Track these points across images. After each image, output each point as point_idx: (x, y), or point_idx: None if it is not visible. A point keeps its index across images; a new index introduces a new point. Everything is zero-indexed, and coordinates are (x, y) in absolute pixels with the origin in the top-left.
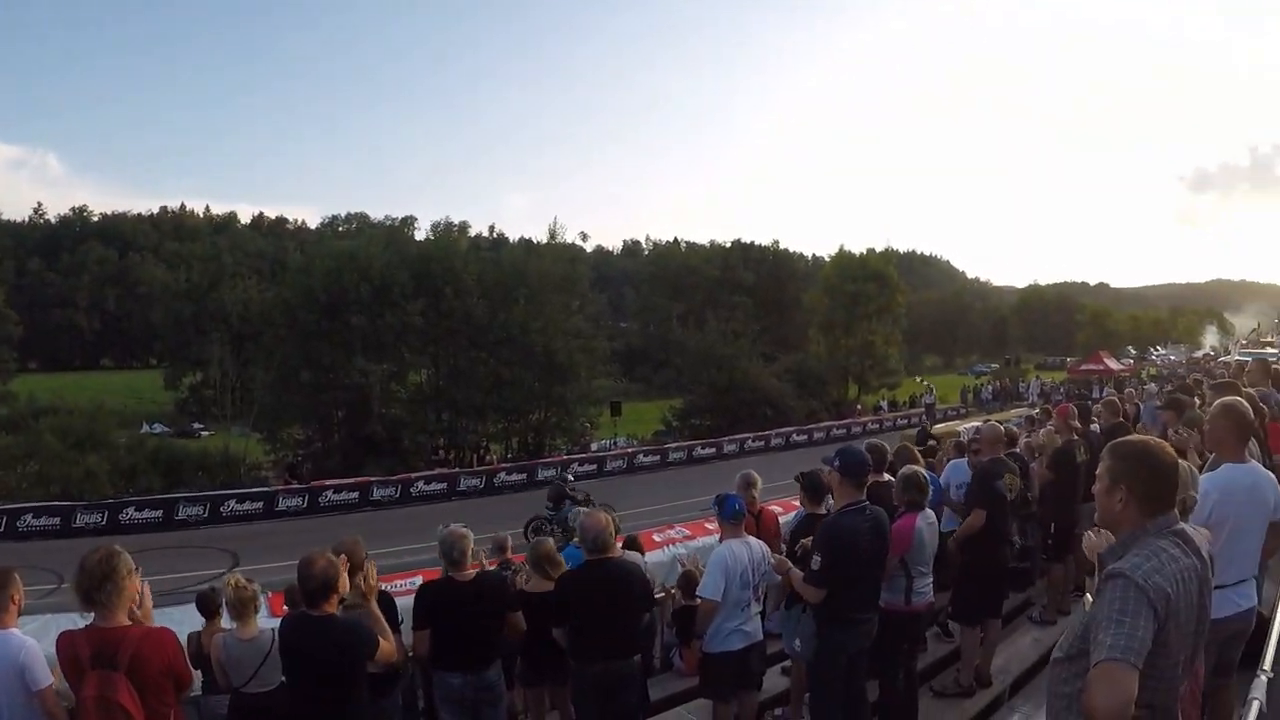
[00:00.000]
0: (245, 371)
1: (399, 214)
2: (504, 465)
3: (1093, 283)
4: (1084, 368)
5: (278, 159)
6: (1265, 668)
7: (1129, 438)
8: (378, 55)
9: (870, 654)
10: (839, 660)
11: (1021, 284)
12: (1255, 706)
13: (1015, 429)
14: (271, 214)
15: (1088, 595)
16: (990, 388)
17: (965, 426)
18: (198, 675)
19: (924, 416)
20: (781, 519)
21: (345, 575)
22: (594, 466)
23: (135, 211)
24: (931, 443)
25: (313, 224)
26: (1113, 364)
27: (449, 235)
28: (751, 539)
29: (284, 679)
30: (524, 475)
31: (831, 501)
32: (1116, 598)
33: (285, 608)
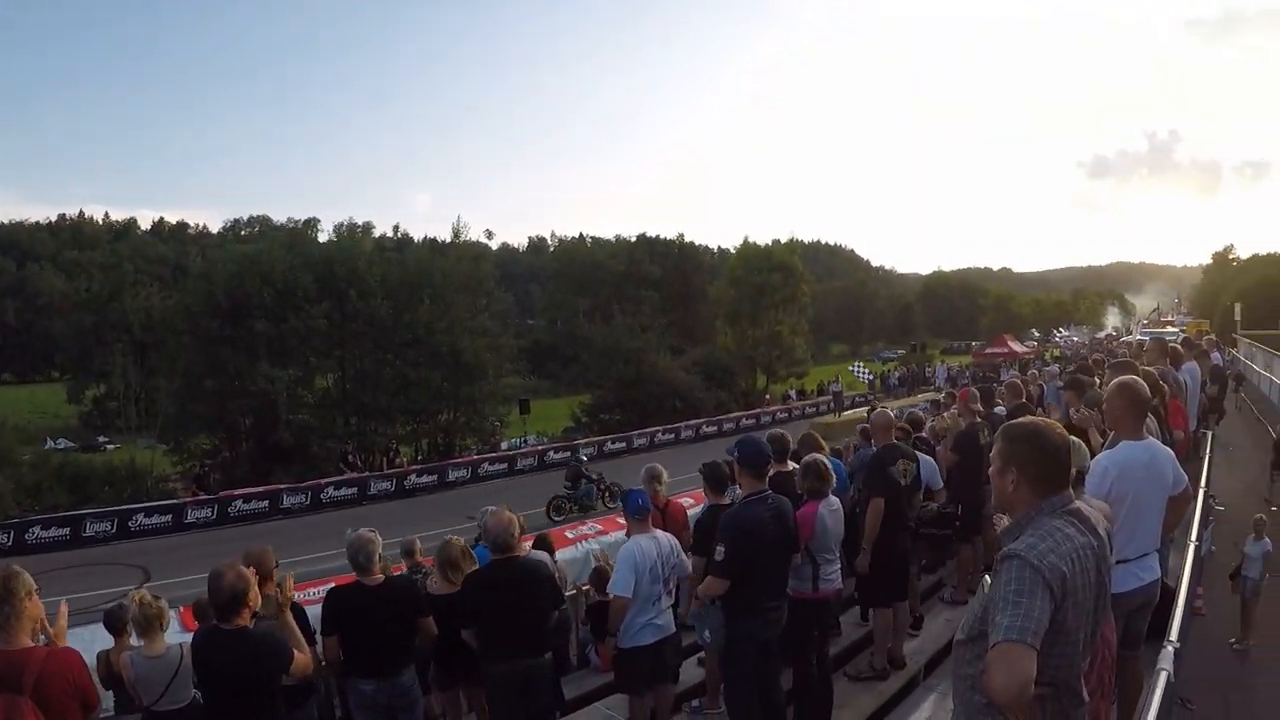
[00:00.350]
0: (149, 381)
1: (302, 216)
2: (415, 467)
3: (996, 268)
4: (989, 351)
5: (178, 162)
6: (1171, 638)
7: (1019, 419)
8: (276, 55)
9: (782, 641)
10: (750, 649)
11: (926, 270)
12: (1164, 677)
13: (920, 414)
14: (172, 219)
15: (986, 577)
16: (897, 374)
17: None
18: (110, 695)
19: (832, 403)
20: (691, 511)
21: (256, 587)
22: (505, 465)
23: (33, 220)
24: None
25: (214, 228)
26: (1017, 347)
27: (352, 236)
28: (659, 533)
29: (196, 695)
30: (435, 477)
31: (738, 491)
32: (1012, 578)
33: (196, 622)
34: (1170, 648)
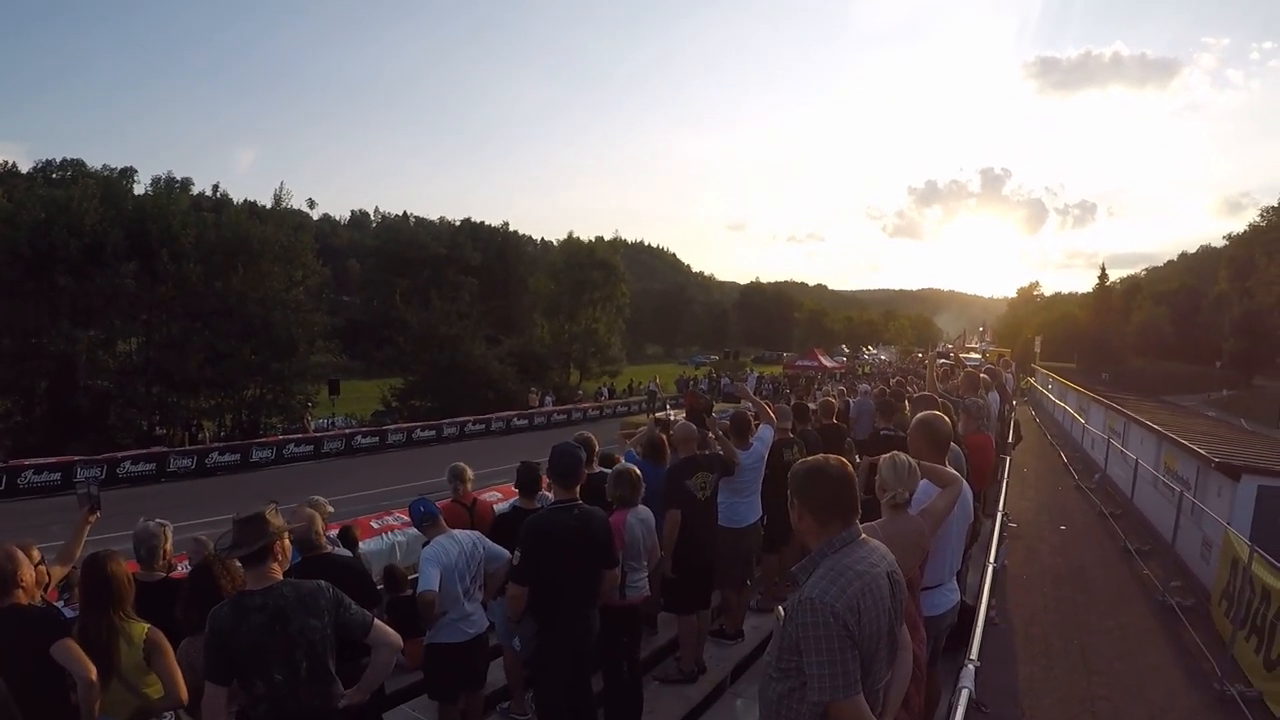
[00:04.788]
0: None
1: (118, 164)
2: (217, 445)
3: (812, 283)
4: (800, 364)
5: None
6: (972, 657)
7: (806, 459)
8: None
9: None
10: (562, 658)
11: (744, 280)
12: (965, 694)
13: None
14: None
15: (780, 609)
16: (706, 379)
17: (677, 416)
18: None
19: (646, 402)
20: (498, 506)
21: (28, 566)
22: (311, 448)
23: None
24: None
25: (24, 167)
26: (827, 361)
27: (169, 192)
28: (458, 532)
29: None
30: (238, 456)
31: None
32: (811, 627)
33: None
34: (971, 666)
